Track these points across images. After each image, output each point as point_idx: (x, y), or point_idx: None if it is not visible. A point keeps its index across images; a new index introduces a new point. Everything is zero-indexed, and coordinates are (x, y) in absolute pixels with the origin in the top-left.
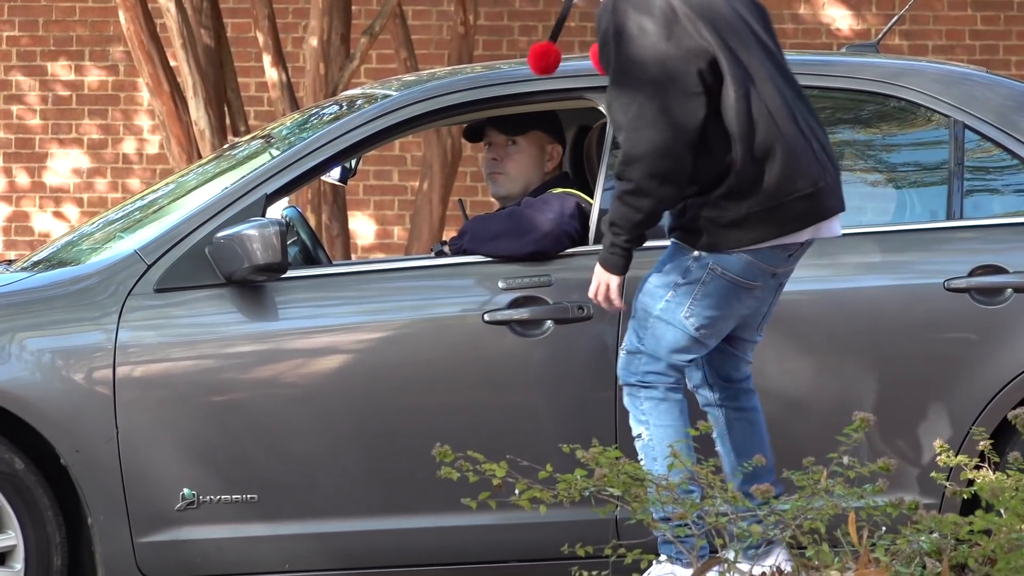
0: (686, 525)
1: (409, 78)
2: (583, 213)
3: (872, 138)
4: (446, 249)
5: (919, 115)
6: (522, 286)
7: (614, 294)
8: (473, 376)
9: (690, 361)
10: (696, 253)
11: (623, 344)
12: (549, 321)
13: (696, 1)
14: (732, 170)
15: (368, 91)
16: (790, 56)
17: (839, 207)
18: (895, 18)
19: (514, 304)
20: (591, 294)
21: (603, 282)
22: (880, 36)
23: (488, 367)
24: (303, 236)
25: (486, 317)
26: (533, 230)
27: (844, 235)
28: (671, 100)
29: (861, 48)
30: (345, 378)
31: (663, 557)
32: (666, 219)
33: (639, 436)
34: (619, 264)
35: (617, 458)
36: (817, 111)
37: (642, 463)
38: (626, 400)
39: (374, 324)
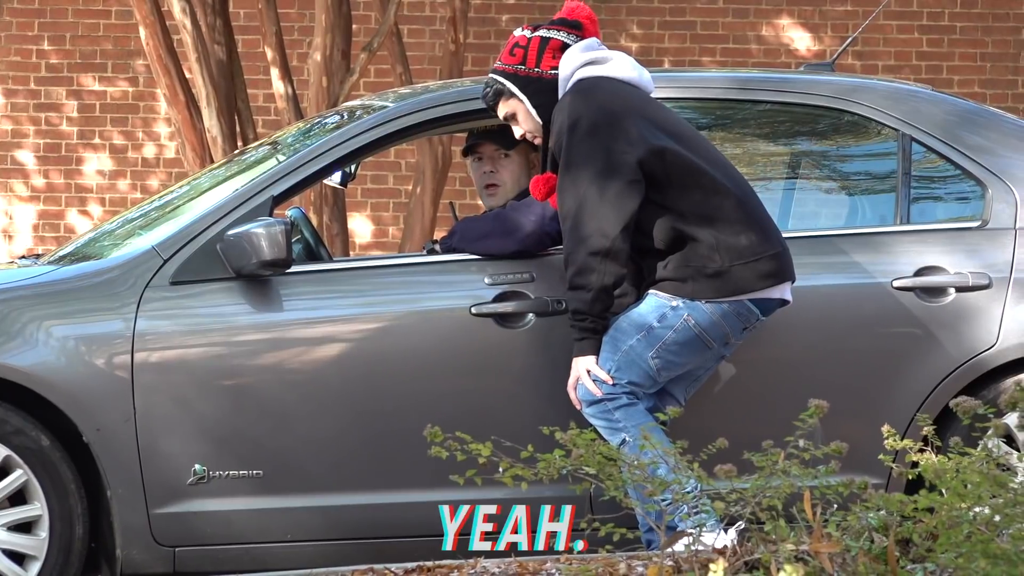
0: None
1: (404, 91)
2: None
3: (827, 149)
4: (437, 247)
5: (870, 128)
6: (506, 282)
7: (599, 373)
8: (461, 364)
9: (640, 395)
10: (674, 303)
11: None
12: (531, 314)
13: (639, 102)
14: (715, 230)
15: (367, 103)
16: (753, 74)
17: (794, 275)
18: (849, 39)
19: (499, 298)
20: (571, 385)
21: (582, 369)
22: (835, 56)
23: (475, 356)
24: (306, 234)
25: (473, 310)
26: (517, 231)
27: (801, 237)
28: (611, 187)
29: (818, 67)
30: (344, 365)
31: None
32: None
33: (623, 443)
34: (592, 347)
35: (592, 440)
36: (777, 124)
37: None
38: (595, 420)
39: (371, 315)
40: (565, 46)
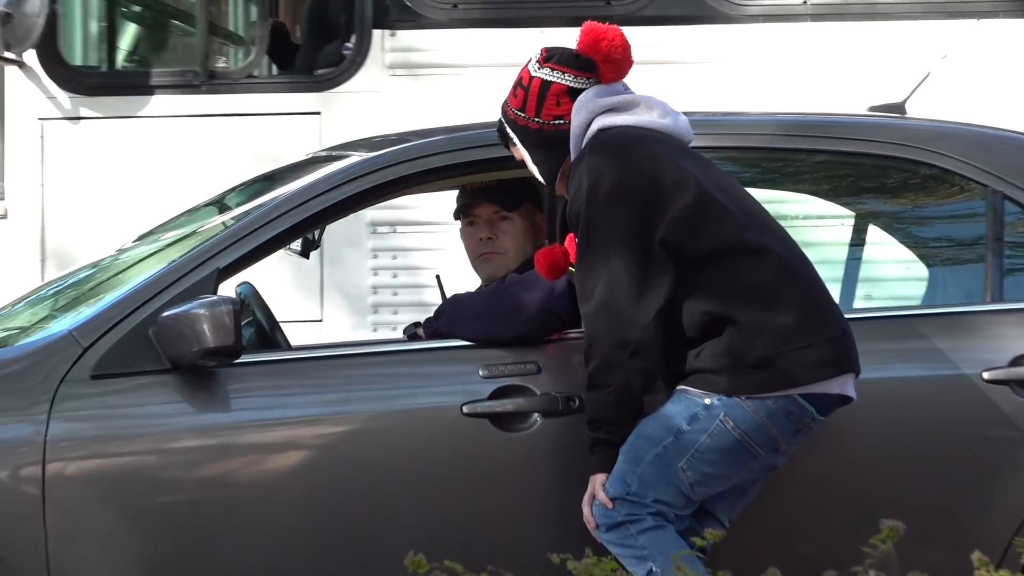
0: None
1: (379, 138)
2: (575, 292)
3: (899, 210)
4: (420, 331)
5: (952, 184)
6: (506, 374)
7: (601, 497)
8: (450, 476)
9: (671, 516)
10: (708, 401)
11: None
12: (536, 414)
13: (671, 158)
14: (758, 310)
15: (333, 152)
16: (807, 117)
17: (859, 366)
18: (925, 74)
19: (496, 395)
20: (586, 502)
21: (598, 486)
22: (908, 95)
23: (467, 466)
24: (259, 316)
25: (465, 409)
26: (519, 311)
27: (867, 318)
28: (641, 266)
29: (886, 107)
30: (305, 478)
31: None
32: None
33: (649, 574)
34: (608, 461)
35: (613, 570)
36: (837, 179)
37: None
38: (613, 547)
39: (339, 416)
40: (572, 91)
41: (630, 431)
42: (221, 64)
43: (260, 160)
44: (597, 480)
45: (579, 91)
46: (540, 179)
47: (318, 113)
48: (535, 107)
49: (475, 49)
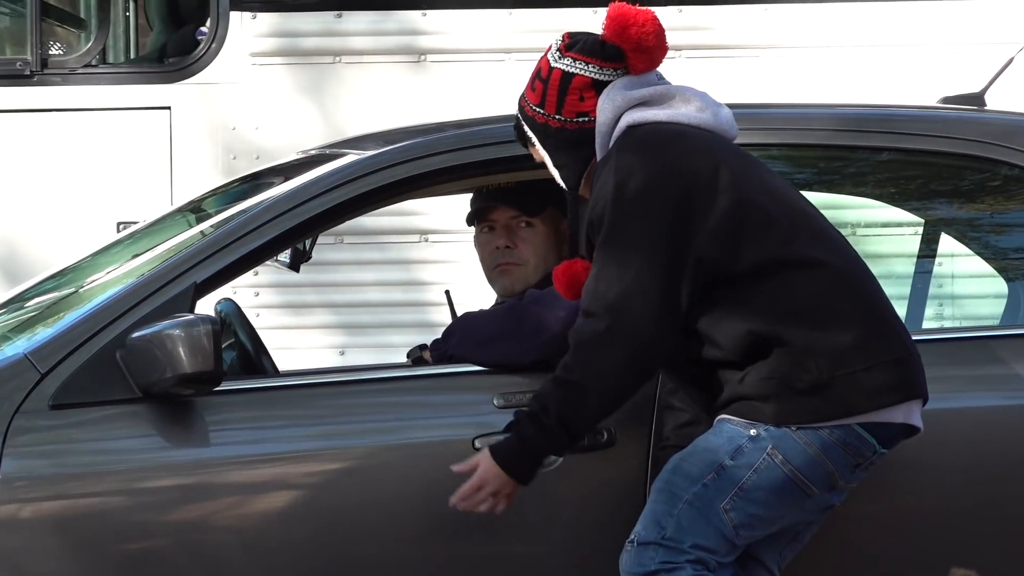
0: None
1: (381, 134)
2: None
3: (976, 216)
4: (425, 355)
5: None
6: (524, 403)
7: (500, 504)
8: (461, 519)
9: (712, 565)
10: (754, 432)
11: (632, 534)
12: None
13: (712, 156)
14: (810, 328)
15: (325, 151)
16: (871, 110)
17: (926, 392)
18: (1007, 60)
19: None
20: (460, 496)
21: (491, 482)
22: (986, 85)
23: None
24: (242, 337)
25: (477, 443)
26: (540, 331)
27: (938, 339)
28: (664, 275)
29: (962, 99)
30: (296, 522)
31: None
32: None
33: None
34: (525, 465)
35: None
36: (905, 181)
37: None
38: None
39: (334, 452)
40: (597, 84)
41: (567, 441)
42: (56, 51)
43: (101, 162)
44: (499, 479)
45: (605, 84)
46: (562, 184)
47: (168, 108)
48: (555, 102)
49: (351, 34)
